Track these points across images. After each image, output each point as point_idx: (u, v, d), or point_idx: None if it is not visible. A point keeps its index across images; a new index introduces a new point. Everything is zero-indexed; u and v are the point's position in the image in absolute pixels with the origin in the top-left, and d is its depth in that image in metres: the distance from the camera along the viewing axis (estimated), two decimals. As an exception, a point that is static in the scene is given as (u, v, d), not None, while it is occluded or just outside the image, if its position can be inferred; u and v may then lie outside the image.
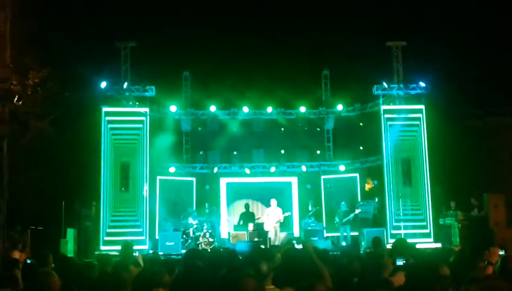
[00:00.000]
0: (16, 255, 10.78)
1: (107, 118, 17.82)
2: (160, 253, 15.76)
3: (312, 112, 21.35)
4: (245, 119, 21.12)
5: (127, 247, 9.39)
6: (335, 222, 19.17)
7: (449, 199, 18.57)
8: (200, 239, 17.83)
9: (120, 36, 19.18)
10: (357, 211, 18.90)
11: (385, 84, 19.05)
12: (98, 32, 21.08)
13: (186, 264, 6.48)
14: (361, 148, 21.13)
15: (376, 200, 19.34)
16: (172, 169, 20.41)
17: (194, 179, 20.98)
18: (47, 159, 20.24)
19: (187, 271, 5.47)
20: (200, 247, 17.04)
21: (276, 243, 17.80)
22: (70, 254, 15.25)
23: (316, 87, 22.08)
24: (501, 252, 7.47)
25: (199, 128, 21.31)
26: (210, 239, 17.82)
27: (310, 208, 20.27)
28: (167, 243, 17.09)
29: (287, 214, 19.73)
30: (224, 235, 19.97)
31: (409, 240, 16.44)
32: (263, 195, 20.74)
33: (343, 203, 19.33)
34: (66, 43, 20.67)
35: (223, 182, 21.22)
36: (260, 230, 17.96)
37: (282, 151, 21.24)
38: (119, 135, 17.96)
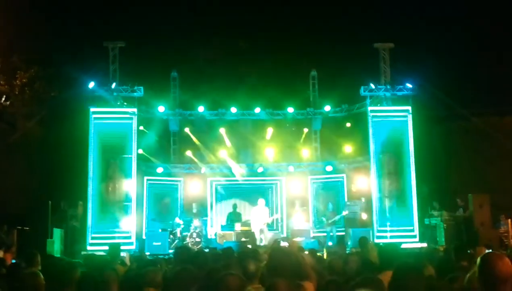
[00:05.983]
0: (0, 254, 10.77)
1: (95, 117, 17.74)
2: (147, 253, 15.74)
3: (299, 113, 21.38)
4: (233, 119, 21.13)
5: (114, 248, 9.39)
6: (322, 222, 19.31)
7: (435, 199, 18.71)
8: (187, 239, 17.84)
9: (108, 36, 19.12)
10: (344, 213, 19.02)
11: (372, 86, 19.14)
12: (87, 32, 21.04)
13: (176, 261, 6.51)
14: (348, 148, 21.20)
15: (363, 200, 19.43)
16: (159, 169, 20.41)
17: (181, 179, 20.98)
18: (34, 159, 20.18)
19: (177, 269, 5.48)
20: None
21: (264, 243, 17.83)
22: (57, 255, 15.20)
23: (304, 88, 22.14)
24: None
25: (187, 129, 21.26)
26: (197, 239, 17.85)
27: (297, 208, 20.34)
28: (154, 243, 17.07)
29: (276, 216, 19.83)
30: (211, 235, 20.00)
31: (395, 240, 16.72)
32: (251, 195, 20.79)
33: (329, 203, 19.49)
34: (54, 42, 20.60)
35: (211, 182, 21.23)
36: (247, 230, 17.99)
37: (270, 151, 21.29)
38: (107, 135, 17.89)
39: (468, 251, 7.98)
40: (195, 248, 16.79)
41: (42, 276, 5.29)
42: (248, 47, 22.22)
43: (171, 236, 17.98)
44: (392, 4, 22.22)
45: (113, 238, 16.26)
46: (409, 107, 18.69)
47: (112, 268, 6.65)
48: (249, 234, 17.75)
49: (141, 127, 19.08)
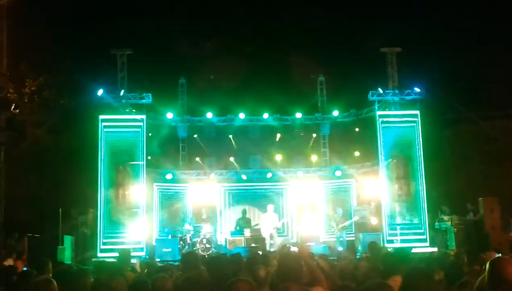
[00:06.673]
0: (10, 262, 10.80)
1: (104, 124, 17.78)
2: (157, 260, 15.74)
3: (308, 118, 21.40)
4: (241, 125, 21.15)
5: (125, 255, 9.39)
6: (331, 227, 19.28)
7: (444, 204, 18.63)
8: (197, 245, 17.84)
9: (116, 43, 19.20)
10: (354, 218, 18.99)
11: (380, 90, 19.09)
12: (95, 40, 21.17)
13: (184, 267, 6.51)
14: (357, 153, 21.17)
15: (372, 204, 19.38)
16: (169, 176, 20.45)
17: (191, 185, 21.02)
18: (44, 166, 20.27)
19: (187, 275, 5.49)
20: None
21: (274, 249, 17.81)
22: (68, 262, 15.25)
23: (312, 94, 22.15)
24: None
25: (196, 135, 21.31)
26: (207, 245, 17.84)
27: (306, 213, 20.30)
28: (164, 249, 17.07)
29: (283, 220, 19.86)
30: (221, 240, 20.01)
31: (405, 245, 16.65)
32: (260, 201, 20.80)
33: (339, 208, 19.48)
34: (62, 50, 20.73)
35: (220, 188, 21.24)
36: (256, 236, 17.98)
37: (279, 157, 21.31)
38: (116, 142, 17.91)
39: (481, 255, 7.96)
40: (205, 254, 16.80)
41: (55, 283, 5.30)
42: (256, 53, 22.29)
43: (181, 242, 17.98)
44: (399, 8, 22.25)
45: (123, 244, 16.27)
46: (418, 112, 18.60)
47: (123, 274, 6.68)
48: (259, 240, 17.72)
49: (150, 134, 19.12)
